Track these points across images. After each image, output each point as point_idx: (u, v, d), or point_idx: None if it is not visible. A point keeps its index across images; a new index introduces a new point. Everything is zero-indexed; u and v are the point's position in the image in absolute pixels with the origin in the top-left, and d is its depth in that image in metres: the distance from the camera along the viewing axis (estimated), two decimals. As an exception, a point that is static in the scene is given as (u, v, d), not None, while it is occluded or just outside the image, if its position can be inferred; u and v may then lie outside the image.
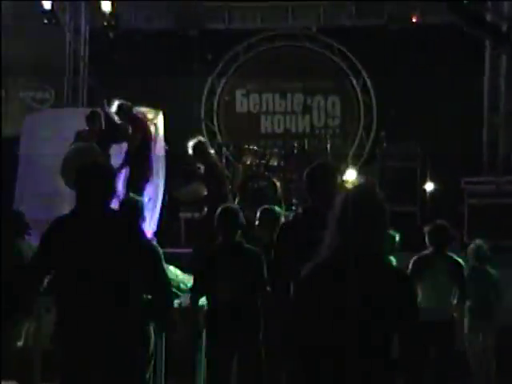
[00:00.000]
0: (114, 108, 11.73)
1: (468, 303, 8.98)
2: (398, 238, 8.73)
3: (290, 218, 7.09)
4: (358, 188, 4.61)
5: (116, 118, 11.70)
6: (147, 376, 7.21)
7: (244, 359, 7.35)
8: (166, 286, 5.87)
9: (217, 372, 7.39)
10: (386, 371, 4.08)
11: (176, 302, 8.24)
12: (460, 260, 8.58)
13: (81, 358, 5.36)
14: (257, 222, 8.36)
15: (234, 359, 7.41)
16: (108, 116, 11.69)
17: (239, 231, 7.59)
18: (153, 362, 7.45)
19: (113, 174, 5.82)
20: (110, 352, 5.37)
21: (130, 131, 11.76)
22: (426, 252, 8.50)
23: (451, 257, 8.55)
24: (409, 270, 8.12)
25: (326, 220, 4.36)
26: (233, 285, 7.27)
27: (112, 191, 5.63)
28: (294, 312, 4.26)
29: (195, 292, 7.64)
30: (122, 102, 11.77)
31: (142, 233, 5.94)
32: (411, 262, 8.35)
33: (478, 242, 9.64)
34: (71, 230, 5.45)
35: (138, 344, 5.63)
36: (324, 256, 4.19)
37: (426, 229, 8.60)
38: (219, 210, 7.73)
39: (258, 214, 8.38)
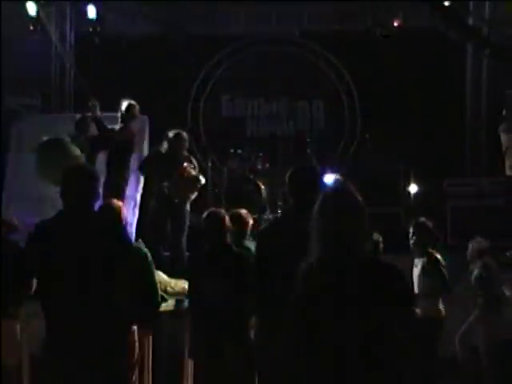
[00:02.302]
0: (123, 106, 11.72)
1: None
2: (381, 241, 8.75)
3: (268, 223, 6.93)
4: (333, 190, 4.62)
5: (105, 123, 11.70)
6: (133, 379, 7.17)
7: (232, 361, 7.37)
8: (154, 288, 5.88)
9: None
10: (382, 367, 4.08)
11: (163, 305, 8.24)
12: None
13: (68, 361, 5.37)
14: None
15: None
16: (99, 121, 11.65)
17: (228, 235, 7.62)
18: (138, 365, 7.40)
19: (97, 176, 5.79)
20: (96, 355, 5.37)
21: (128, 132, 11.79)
22: None
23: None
24: None
25: (302, 223, 4.40)
26: (221, 287, 7.30)
27: (96, 193, 5.63)
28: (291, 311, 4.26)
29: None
30: (131, 101, 11.77)
31: (128, 236, 5.95)
32: None
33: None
34: (56, 232, 5.45)
35: (124, 347, 5.60)
36: (312, 259, 4.22)
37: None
38: (207, 213, 7.74)
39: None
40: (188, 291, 7.76)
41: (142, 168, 11.50)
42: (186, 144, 11.12)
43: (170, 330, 8.61)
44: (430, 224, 8.80)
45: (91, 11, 14.76)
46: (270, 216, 12.45)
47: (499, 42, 13.31)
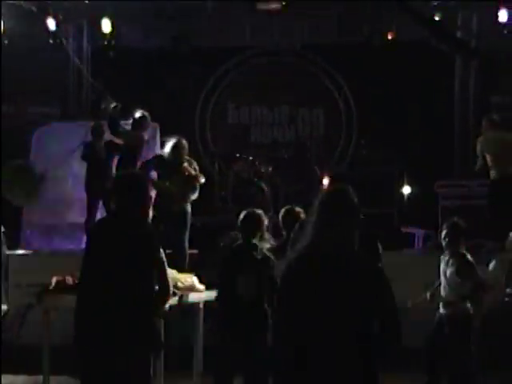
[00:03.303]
0: (136, 115, 11.77)
1: None
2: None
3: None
4: (330, 191, 4.60)
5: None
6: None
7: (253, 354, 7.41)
8: (169, 283, 5.96)
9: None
10: (363, 360, 4.04)
11: (175, 299, 8.25)
12: None
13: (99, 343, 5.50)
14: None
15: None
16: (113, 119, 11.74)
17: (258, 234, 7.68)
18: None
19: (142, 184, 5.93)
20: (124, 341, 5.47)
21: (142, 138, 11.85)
22: None
23: None
24: None
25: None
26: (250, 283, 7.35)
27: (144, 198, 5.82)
28: (278, 305, 4.29)
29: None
30: (144, 113, 11.82)
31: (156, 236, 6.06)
32: None
33: None
34: (103, 232, 5.71)
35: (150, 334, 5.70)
36: (299, 252, 4.22)
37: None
38: (244, 213, 7.80)
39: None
40: (220, 285, 7.81)
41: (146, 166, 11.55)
42: (186, 149, 11.15)
43: (180, 321, 8.64)
44: (463, 224, 8.72)
45: (106, 26, 14.76)
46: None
47: (486, 53, 13.30)
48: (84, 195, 12.06)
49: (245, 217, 7.78)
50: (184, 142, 11.16)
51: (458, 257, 8.46)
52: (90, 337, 5.57)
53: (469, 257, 8.48)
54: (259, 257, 7.52)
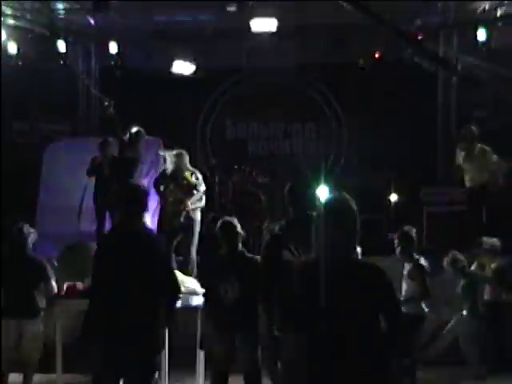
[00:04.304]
0: (133, 130, 11.81)
1: None
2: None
3: (275, 231, 6.82)
4: (332, 199, 4.53)
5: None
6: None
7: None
8: (178, 284, 5.96)
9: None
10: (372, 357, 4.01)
11: (178, 303, 8.23)
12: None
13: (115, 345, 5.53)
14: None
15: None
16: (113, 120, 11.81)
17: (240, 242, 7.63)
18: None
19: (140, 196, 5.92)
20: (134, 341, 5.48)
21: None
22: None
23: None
24: None
25: (306, 229, 4.36)
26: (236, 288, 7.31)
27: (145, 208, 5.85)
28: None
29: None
30: (140, 129, 11.83)
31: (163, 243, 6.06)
32: None
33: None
34: (112, 243, 5.76)
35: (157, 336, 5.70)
36: (308, 258, 4.19)
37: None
38: (220, 222, 7.74)
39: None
40: (205, 292, 7.80)
41: (155, 185, 11.54)
42: (185, 160, 11.18)
43: (183, 323, 8.63)
44: (413, 232, 8.74)
45: (113, 48, 14.77)
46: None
47: (466, 70, 13.32)
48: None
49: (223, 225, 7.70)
50: (184, 152, 11.19)
51: (410, 261, 8.55)
52: (98, 337, 5.56)
53: (421, 261, 8.50)
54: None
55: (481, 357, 9.56)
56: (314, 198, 6.18)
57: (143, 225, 5.91)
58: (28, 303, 8.28)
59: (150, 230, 5.99)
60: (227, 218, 7.89)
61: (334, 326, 3.97)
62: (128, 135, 11.86)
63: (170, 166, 11.22)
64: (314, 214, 4.41)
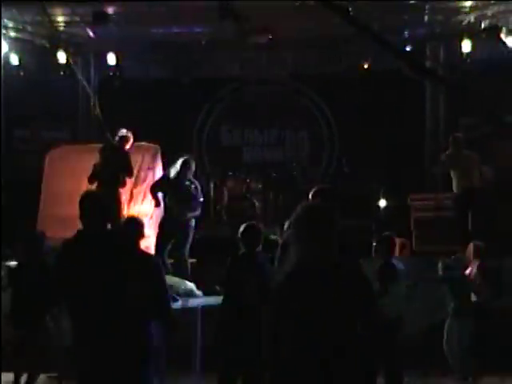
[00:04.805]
0: (120, 134, 11.88)
1: None
2: None
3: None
4: (308, 206, 4.32)
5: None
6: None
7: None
8: (164, 292, 5.85)
9: None
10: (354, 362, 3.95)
11: (177, 304, 8.26)
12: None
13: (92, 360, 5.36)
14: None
15: None
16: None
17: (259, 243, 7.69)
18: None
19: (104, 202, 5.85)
20: (114, 350, 5.38)
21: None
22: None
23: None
24: None
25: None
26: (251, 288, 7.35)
27: (106, 214, 5.64)
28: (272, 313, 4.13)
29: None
30: (128, 133, 11.89)
31: (138, 248, 5.99)
32: None
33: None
34: (76, 250, 5.45)
35: (137, 343, 5.60)
36: (290, 266, 4.13)
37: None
38: (244, 226, 7.79)
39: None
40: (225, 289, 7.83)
41: (152, 189, 11.56)
42: (191, 169, 11.19)
43: (181, 324, 8.64)
44: (394, 237, 8.75)
45: (111, 59, 14.82)
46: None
47: (452, 80, 13.37)
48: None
49: (245, 229, 7.80)
50: (191, 161, 11.21)
51: (385, 263, 8.52)
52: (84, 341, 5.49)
53: (396, 264, 8.46)
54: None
55: (464, 358, 9.59)
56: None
57: (106, 232, 5.78)
58: (40, 307, 8.32)
59: (117, 237, 5.86)
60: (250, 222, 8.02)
61: (316, 334, 3.93)
62: (117, 138, 11.95)
63: (172, 172, 11.21)
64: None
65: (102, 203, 5.64)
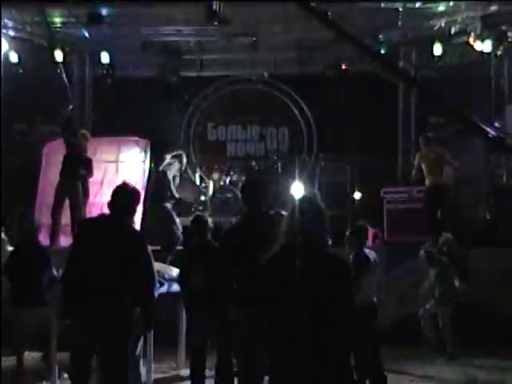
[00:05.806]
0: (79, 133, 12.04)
1: None
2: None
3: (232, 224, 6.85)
4: (302, 197, 4.50)
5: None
6: (139, 343, 7.13)
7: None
8: (153, 276, 5.84)
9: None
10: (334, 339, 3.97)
11: (163, 288, 8.27)
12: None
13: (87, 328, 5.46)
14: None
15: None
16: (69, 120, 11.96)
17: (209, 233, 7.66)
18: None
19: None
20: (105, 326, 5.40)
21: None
22: None
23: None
24: None
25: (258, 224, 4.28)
26: (204, 276, 7.32)
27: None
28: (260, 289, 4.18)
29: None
30: (83, 131, 12.18)
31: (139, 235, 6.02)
32: None
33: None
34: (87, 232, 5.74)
35: (126, 322, 5.61)
36: (277, 249, 4.16)
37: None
38: (193, 217, 7.81)
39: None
40: (179, 278, 7.84)
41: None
42: (182, 162, 11.21)
43: (167, 307, 8.64)
44: (366, 227, 8.57)
45: (105, 58, 14.76)
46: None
47: (423, 81, 13.39)
48: (87, 199, 12.04)
49: (193, 220, 7.78)
50: (182, 155, 11.22)
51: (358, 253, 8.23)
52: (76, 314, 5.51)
53: (367, 254, 8.19)
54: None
55: (441, 341, 9.64)
56: (265, 195, 6.23)
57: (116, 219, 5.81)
58: (36, 289, 8.27)
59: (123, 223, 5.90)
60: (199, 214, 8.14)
61: (297, 314, 3.94)
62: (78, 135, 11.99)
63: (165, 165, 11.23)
64: (271, 211, 4.45)
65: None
